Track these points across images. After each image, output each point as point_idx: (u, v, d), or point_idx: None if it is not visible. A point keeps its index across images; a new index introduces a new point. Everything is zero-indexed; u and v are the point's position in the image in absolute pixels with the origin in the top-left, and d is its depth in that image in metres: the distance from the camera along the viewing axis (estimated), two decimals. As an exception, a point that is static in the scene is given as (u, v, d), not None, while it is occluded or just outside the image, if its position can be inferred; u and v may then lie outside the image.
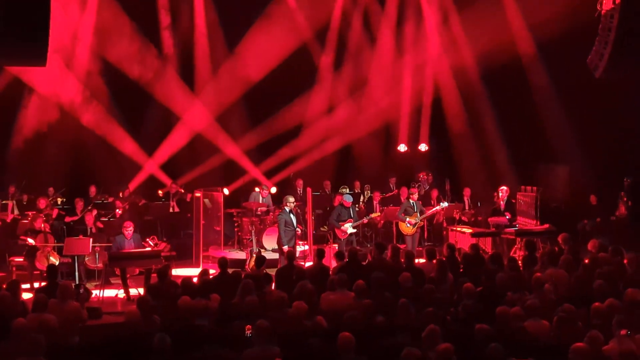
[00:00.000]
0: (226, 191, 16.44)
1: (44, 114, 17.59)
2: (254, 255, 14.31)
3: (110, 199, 16.63)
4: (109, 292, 12.57)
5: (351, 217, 14.33)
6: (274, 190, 17.36)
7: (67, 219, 15.00)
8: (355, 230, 14.49)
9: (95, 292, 12.25)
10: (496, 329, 7.18)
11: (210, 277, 10.20)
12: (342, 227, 14.24)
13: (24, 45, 8.75)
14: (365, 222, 15.54)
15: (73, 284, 10.44)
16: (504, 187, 15.44)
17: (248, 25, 18.40)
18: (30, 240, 13.30)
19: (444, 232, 15.69)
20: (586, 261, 10.51)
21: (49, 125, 17.69)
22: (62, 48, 17.08)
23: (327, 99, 19.62)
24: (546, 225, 14.44)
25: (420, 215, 14.69)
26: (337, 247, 14.24)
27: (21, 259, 13.52)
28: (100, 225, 14.31)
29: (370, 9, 19.52)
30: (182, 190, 17.52)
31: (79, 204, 15.18)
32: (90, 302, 11.17)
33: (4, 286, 9.10)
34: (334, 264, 11.99)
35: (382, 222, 16.60)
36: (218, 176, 18.24)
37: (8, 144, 17.73)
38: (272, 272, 10.66)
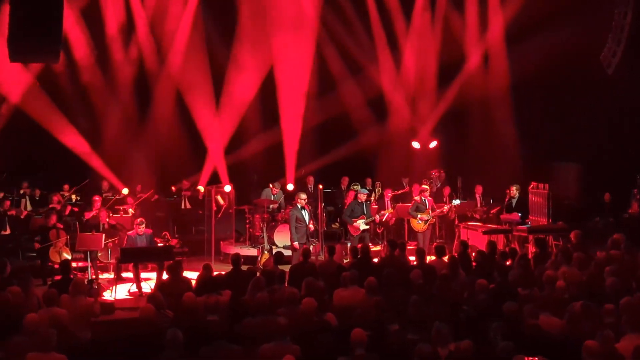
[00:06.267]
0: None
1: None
2: (265, 252, 14.38)
3: (122, 195, 16.64)
4: (121, 288, 12.61)
5: (364, 214, 14.31)
6: (290, 187, 17.34)
7: (87, 215, 14.93)
8: (367, 227, 14.47)
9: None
10: (507, 326, 7.15)
11: (214, 272, 10.23)
12: (355, 224, 14.20)
13: (38, 41, 8.77)
14: (377, 221, 15.53)
15: (86, 279, 10.47)
16: (516, 185, 15.42)
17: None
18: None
19: (456, 229, 15.66)
20: (598, 259, 10.46)
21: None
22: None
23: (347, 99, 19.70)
24: (559, 223, 14.39)
25: (432, 212, 14.67)
26: (349, 244, 14.24)
27: (34, 255, 13.57)
28: (112, 222, 14.32)
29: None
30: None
31: (97, 201, 15.13)
32: (102, 298, 11.22)
33: (15, 281, 9.14)
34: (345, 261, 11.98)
35: (393, 219, 16.55)
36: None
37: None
38: (285, 268, 10.60)
